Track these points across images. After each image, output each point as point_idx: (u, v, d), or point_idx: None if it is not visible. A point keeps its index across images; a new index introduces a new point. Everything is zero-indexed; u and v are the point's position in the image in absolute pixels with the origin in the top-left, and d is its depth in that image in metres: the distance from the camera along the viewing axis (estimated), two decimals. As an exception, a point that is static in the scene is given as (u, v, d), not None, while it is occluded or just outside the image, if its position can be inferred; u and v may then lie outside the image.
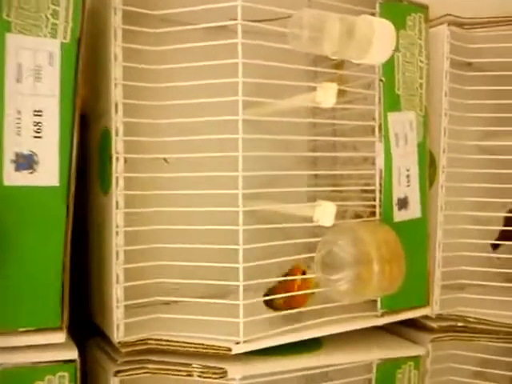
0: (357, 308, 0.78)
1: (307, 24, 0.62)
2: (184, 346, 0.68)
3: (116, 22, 0.67)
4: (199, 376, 0.68)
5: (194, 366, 0.68)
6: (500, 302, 0.85)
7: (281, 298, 0.73)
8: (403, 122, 0.81)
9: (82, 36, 0.64)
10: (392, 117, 0.80)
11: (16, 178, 0.61)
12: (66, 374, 0.63)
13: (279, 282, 0.75)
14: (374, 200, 0.80)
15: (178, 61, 0.68)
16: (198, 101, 0.67)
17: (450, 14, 0.85)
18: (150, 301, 0.72)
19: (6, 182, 0.61)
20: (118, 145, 0.68)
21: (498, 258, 0.99)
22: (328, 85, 0.72)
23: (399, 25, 0.79)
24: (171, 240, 0.71)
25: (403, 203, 0.81)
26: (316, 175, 0.92)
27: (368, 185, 0.81)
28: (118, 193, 0.68)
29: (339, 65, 0.84)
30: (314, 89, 0.72)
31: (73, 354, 0.64)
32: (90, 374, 0.75)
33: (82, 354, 0.66)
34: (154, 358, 0.69)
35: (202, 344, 0.68)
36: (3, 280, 0.61)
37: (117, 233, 0.68)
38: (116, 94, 0.68)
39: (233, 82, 0.67)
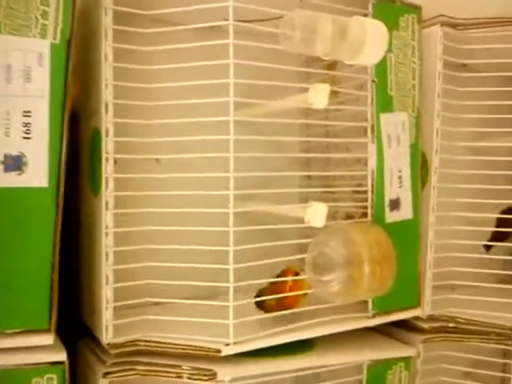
0: (348, 309, 0.78)
1: (299, 25, 0.62)
2: (173, 348, 0.68)
3: (107, 22, 0.67)
4: (189, 378, 0.67)
5: (184, 367, 0.68)
6: (491, 303, 0.85)
7: (272, 299, 0.73)
8: (396, 123, 0.81)
9: (72, 37, 0.63)
10: (384, 118, 0.80)
11: (4, 180, 0.61)
12: (54, 376, 0.63)
13: (270, 283, 0.75)
14: (366, 201, 0.80)
15: (170, 61, 0.68)
16: (190, 101, 0.67)
17: (443, 15, 0.85)
18: (139, 302, 0.72)
19: (-5, 184, 0.61)
20: (108, 145, 0.67)
21: (490, 259, 0.99)
22: (320, 86, 0.72)
23: (392, 25, 0.78)
24: (162, 241, 0.71)
25: (395, 204, 0.81)
26: (309, 176, 0.92)
27: (360, 186, 0.81)
28: (107, 194, 0.67)
29: (332, 66, 0.83)
30: (306, 90, 0.72)
31: (61, 355, 0.64)
32: (80, 375, 0.75)
33: (72, 355, 0.66)
34: (144, 359, 0.69)
35: (192, 345, 0.68)
36: (-9, 281, 0.61)
37: (106, 234, 0.68)
38: (106, 94, 0.67)
39: (225, 83, 0.67)
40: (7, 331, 0.62)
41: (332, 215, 0.78)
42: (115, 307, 0.68)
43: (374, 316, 0.80)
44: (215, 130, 0.67)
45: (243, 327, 0.69)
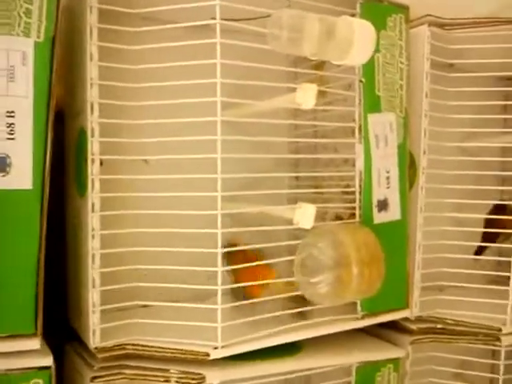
0: (337, 310, 0.77)
1: (286, 24, 0.61)
2: (162, 352, 0.68)
3: (92, 20, 0.66)
4: (177, 381, 0.67)
5: (172, 371, 0.67)
6: (479, 304, 0.85)
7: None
8: (383, 124, 0.80)
9: (57, 35, 0.62)
10: (372, 118, 0.79)
11: (-12, 182, 0.60)
12: (40, 381, 0.62)
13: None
14: (354, 202, 0.79)
15: (159, 60, 0.67)
16: (177, 101, 0.66)
17: (430, 15, 0.84)
18: (127, 305, 0.71)
19: (-22, 186, 0.59)
20: (93, 146, 0.66)
21: (478, 260, 0.99)
22: (308, 86, 0.71)
23: (379, 25, 0.78)
24: (149, 243, 0.70)
25: (383, 205, 0.81)
26: (297, 177, 0.92)
27: (349, 186, 0.80)
28: (93, 195, 0.67)
29: (319, 65, 0.83)
30: (293, 90, 0.72)
31: (48, 360, 0.63)
32: (67, 379, 0.74)
33: (59, 359, 0.65)
34: (132, 363, 0.68)
35: (180, 349, 0.67)
36: (-25, 285, 0.60)
37: (93, 236, 0.67)
38: (92, 94, 0.66)
39: (212, 82, 0.66)
40: (-8, 336, 0.61)
41: (321, 216, 0.77)
42: (102, 310, 0.68)
43: (362, 317, 0.80)
44: (203, 130, 0.66)
45: (232, 330, 0.68)
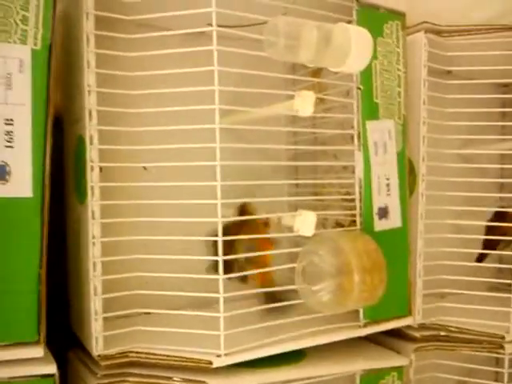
0: (339, 318, 0.77)
1: (283, 32, 0.61)
2: (165, 359, 0.67)
3: (88, 27, 0.66)
4: (180, 389, 0.67)
5: (175, 379, 0.67)
6: (482, 311, 0.84)
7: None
8: (382, 131, 0.80)
9: (53, 42, 0.62)
10: (370, 125, 0.79)
11: (-12, 190, 0.60)
12: (44, 389, 0.62)
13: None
14: (355, 209, 0.79)
15: (156, 66, 0.67)
16: (175, 109, 0.66)
17: (427, 22, 0.85)
18: (130, 312, 0.71)
19: (-22, 194, 0.59)
20: (92, 153, 0.66)
21: (480, 267, 0.99)
22: (306, 93, 0.71)
23: (376, 32, 0.78)
24: (150, 250, 0.70)
25: (384, 212, 0.80)
26: (297, 184, 0.91)
27: (349, 194, 0.80)
28: (93, 203, 0.66)
29: (317, 72, 0.83)
30: (292, 96, 0.72)
31: (51, 368, 0.62)
32: (71, 386, 0.74)
33: (62, 365, 0.64)
34: (135, 370, 0.68)
35: (183, 357, 0.67)
36: (-23, 294, 0.60)
37: (93, 243, 0.66)
38: (90, 101, 0.66)
39: (210, 90, 0.66)
40: (-4, 344, 0.61)
41: (321, 222, 0.77)
42: (105, 318, 0.67)
43: (365, 325, 0.79)
44: (201, 137, 0.66)
45: (234, 338, 0.68)
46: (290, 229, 0.73)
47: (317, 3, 0.72)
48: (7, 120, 0.60)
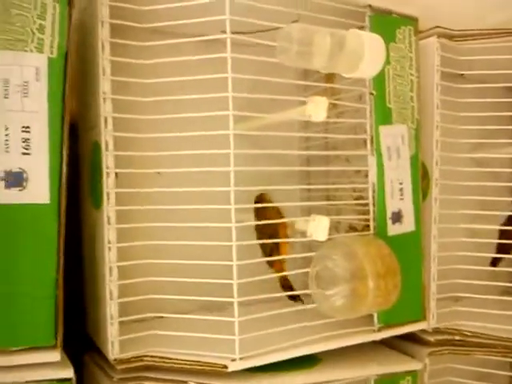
0: (354, 323, 0.77)
1: (296, 38, 0.62)
2: (180, 363, 0.67)
3: (103, 35, 0.67)
4: (195, 393, 0.67)
5: (190, 383, 0.67)
6: (496, 316, 0.84)
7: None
8: (395, 135, 0.80)
9: (69, 50, 0.63)
10: (383, 130, 0.79)
11: (6, 196, 0.60)
12: (61, 393, 0.62)
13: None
14: (368, 213, 0.79)
15: (170, 73, 0.68)
16: (189, 115, 0.67)
17: (439, 26, 0.85)
18: (145, 316, 0.71)
19: (-4, 201, 0.60)
20: (108, 160, 0.67)
21: (494, 271, 0.98)
22: (319, 99, 0.71)
23: (389, 38, 0.79)
24: (165, 254, 0.70)
25: (397, 217, 0.80)
26: (309, 188, 0.92)
27: (361, 198, 0.80)
28: (109, 208, 0.67)
29: (330, 77, 0.84)
30: (304, 102, 0.72)
31: (68, 372, 0.63)
32: (87, 389, 0.75)
33: (78, 369, 0.65)
34: (151, 374, 0.68)
35: (198, 361, 0.67)
36: (-5, 299, 0.60)
37: (109, 248, 0.67)
38: (105, 108, 0.67)
39: (224, 96, 0.66)
40: (13, 348, 0.61)
41: (334, 226, 0.77)
42: (121, 322, 0.68)
43: (379, 330, 0.79)
44: (215, 142, 0.66)
45: (249, 342, 0.68)
46: (304, 234, 0.73)
47: (329, 9, 0.72)
48: (24, 127, 0.61)
